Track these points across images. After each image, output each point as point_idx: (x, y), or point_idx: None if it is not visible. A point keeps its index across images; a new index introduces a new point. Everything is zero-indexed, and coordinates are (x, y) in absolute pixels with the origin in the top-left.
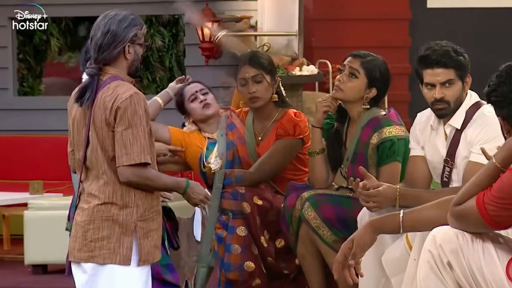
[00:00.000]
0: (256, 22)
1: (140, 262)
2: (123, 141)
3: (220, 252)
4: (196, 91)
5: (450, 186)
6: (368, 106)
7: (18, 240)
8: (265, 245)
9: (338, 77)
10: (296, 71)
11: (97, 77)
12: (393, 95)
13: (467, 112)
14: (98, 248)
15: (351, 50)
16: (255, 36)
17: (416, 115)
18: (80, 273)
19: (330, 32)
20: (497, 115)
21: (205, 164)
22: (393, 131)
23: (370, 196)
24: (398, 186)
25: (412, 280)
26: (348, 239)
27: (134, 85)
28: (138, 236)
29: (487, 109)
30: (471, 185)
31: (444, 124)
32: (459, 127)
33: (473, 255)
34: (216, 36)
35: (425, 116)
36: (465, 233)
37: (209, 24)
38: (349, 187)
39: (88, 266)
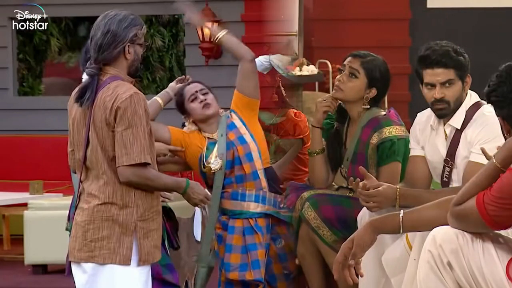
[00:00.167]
0: None
1: (140, 262)
2: (123, 141)
3: (220, 252)
4: (196, 91)
5: (450, 186)
6: (368, 106)
7: (18, 240)
8: None
9: (338, 77)
10: (296, 71)
11: (97, 77)
12: (393, 95)
13: (467, 112)
14: (98, 248)
15: (351, 50)
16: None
17: (416, 115)
18: (80, 273)
19: (330, 32)
20: (497, 115)
21: (205, 164)
22: (393, 131)
23: (370, 196)
24: (398, 186)
25: (412, 280)
26: (348, 239)
27: (134, 85)
28: (138, 236)
29: (487, 109)
30: (471, 185)
31: (444, 124)
32: (459, 127)
33: (473, 255)
34: (216, 36)
35: (425, 116)
36: (465, 233)
37: (209, 24)
38: (349, 187)
39: (88, 266)
